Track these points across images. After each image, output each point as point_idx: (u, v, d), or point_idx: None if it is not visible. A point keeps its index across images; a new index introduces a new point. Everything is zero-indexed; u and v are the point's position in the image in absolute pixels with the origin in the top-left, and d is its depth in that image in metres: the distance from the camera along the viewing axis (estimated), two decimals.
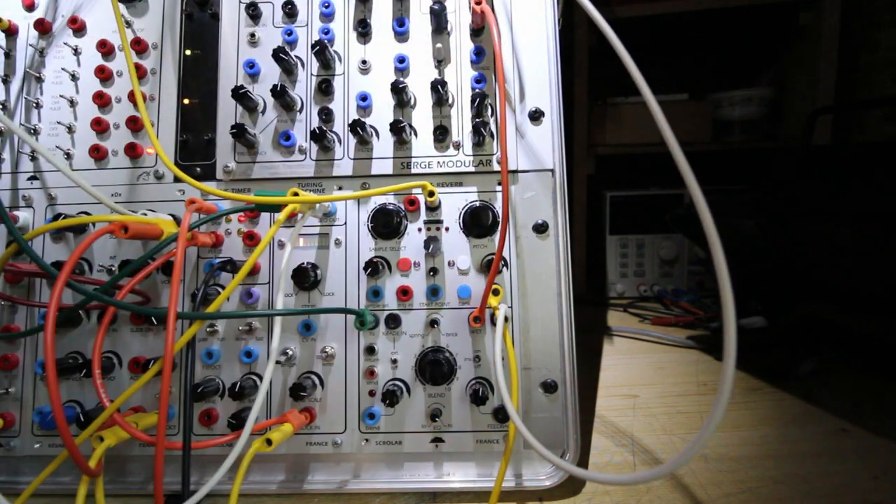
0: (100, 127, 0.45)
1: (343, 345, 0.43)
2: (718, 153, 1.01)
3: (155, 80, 0.46)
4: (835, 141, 0.94)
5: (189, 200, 0.41)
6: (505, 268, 0.42)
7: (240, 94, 0.42)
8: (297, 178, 0.44)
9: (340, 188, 0.44)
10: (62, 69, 0.46)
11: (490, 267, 0.40)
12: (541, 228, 0.42)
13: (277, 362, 0.42)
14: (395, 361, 0.42)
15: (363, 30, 0.45)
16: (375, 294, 0.42)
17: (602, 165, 1.03)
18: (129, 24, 0.46)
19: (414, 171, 0.44)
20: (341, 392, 0.42)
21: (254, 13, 0.45)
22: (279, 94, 0.42)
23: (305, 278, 0.42)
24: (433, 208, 0.43)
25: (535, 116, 0.43)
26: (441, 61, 0.44)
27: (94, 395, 0.43)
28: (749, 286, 0.72)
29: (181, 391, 0.42)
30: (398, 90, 0.41)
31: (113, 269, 0.44)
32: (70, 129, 0.45)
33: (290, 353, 0.42)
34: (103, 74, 0.45)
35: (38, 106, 0.46)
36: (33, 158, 0.45)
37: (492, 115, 0.43)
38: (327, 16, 0.45)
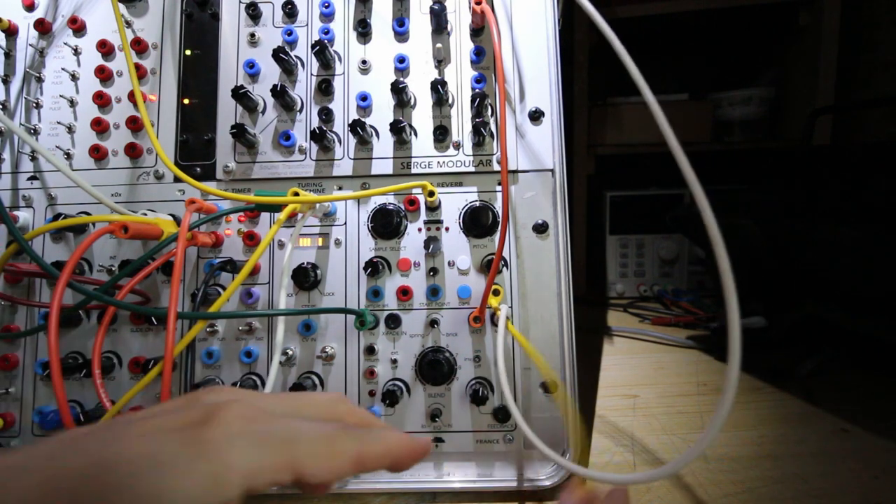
0: (100, 127, 0.45)
1: (343, 345, 0.43)
2: (718, 153, 1.01)
3: (155, 80, 0.46)
4: (835, 141, 0.94)
5: (189, 200, 0.41)
6: (505, 268, 0.42)
7: (240, 94, 0.42)
8: (297, 178, 0.44)
9: (340, 188, 0.44)
10: (62, 69, 0.46)
11: (490, 267, 0.40)
12: (541, 228, 0.42)
13: (281, 363, 0.42)
14: (395, 361, 0.42)
15: (363, 30, 0.45)
16: (375, 294, 0.42)
17: (602, 165, 1.03)
18: (129, 24, 0.46)
19: (414, 171, 0.44)
20: (341, 392, 0.42)
21: (254, 13, 0.45)
22: (279, 94, 0.42)
23: (305, 278, 0.42)
24: (433, 208, 0.43)
25: (535, 116, 0.43)
26: (441, 61, 0.44)
27: (94, 395, 0.43)
28: (749, 286, 0.72)
29: (181, 391, 0.42)
30: (398, 90, 0.41)
31: (113, 269, 0.44)
32: (70, 129, 0.45)
33: (290, 353, 0.42)
34: (103, 74, 0.45)
35: (38, 106, 0.46)
36: (33, 158, 0.45)
37: (492, 115, 0.43)
38: (327, 16, 0.45)
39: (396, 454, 0.23)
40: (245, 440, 0.20)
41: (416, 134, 0.44)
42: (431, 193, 0.41)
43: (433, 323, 0.42)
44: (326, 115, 0.44)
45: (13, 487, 0.17)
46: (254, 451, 0.19)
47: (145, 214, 0.41)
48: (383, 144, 0.44)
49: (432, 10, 0.43)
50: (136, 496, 0.17)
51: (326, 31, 0.45)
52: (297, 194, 0.39)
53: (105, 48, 0.45)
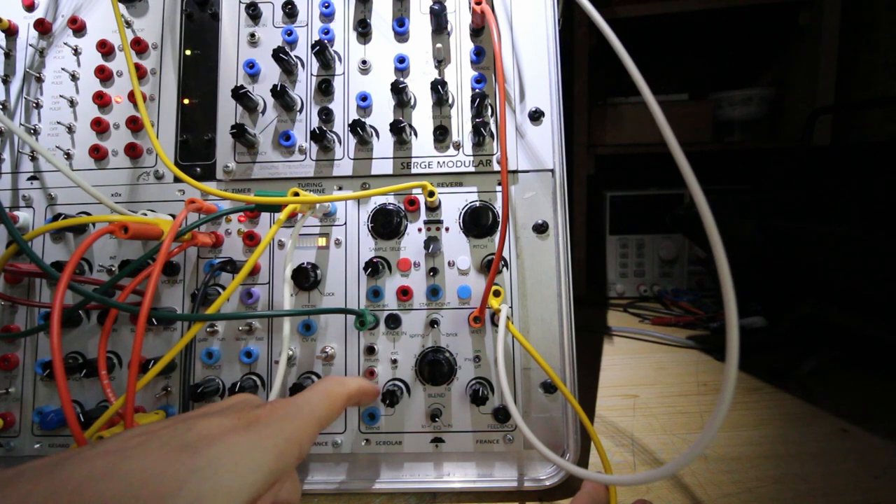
0: (100, 127, 0.45)
1: (343, 345, 0.43)
2: (718, 153, 1.01)
3: (155, 80, 0.46)
4: (835, 141, 0.94)
5: (189, 200, 0.41)
6: (505, 268, 0.42)
7: (240, 94, 0.42)
8: (297, 178, 0.44)
9: (340, 188, 0.44)
10: (62, 69, 0.46)
11: (490, 267, 0.40)
12: (541, 228, 0.42)
13: (276, 362, 0.42)
14: (395, 361, 0.42)
15: (363, 30, 0.45)
16: (375, 294, 0.42)
17: (602, 165, 1.03)
18: (129, 24, 0.46)
19: (414, 171, 0.44)
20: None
21: (254, 13, 0.45)
22: (279, 94, 0.42)
23: (305, 278, 0.42)
24: (433, 208, 0.43)
25: (535, 116, 0.43)
26: (441, 61, 0.44)
27: (93, 395, 0.43)
28: (749, 286, 0.72)
29: (181, 391, 0.42)
30: (398, 90, 0.41)
31: (113, 269, 0.44)
32: (70, 129, 0.45)
33: (291, 353, 0.42)
34: (103, 74, 0.45)
35: (38, 106, 0.46)
36: (33, 158, 0.45)
37: (492, 115, 0.43)
38: (327, 16, 0.45)
39: (364, 390, 0.33)
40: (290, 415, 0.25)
41: (416, 134, 0.44)
42: (431, 193, 0.41)
43: (433, 323, 0.42)
44: (326, 115, 0.44)
45: None
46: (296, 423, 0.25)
47: (145, 214, 0.41)
48: (383, 144, 0.44)
49: (432, 11, 0.43)
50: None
51: (326, 31, 0.45)
52: (297, 194, 0.39)
53: (105, 48, 0.45)
